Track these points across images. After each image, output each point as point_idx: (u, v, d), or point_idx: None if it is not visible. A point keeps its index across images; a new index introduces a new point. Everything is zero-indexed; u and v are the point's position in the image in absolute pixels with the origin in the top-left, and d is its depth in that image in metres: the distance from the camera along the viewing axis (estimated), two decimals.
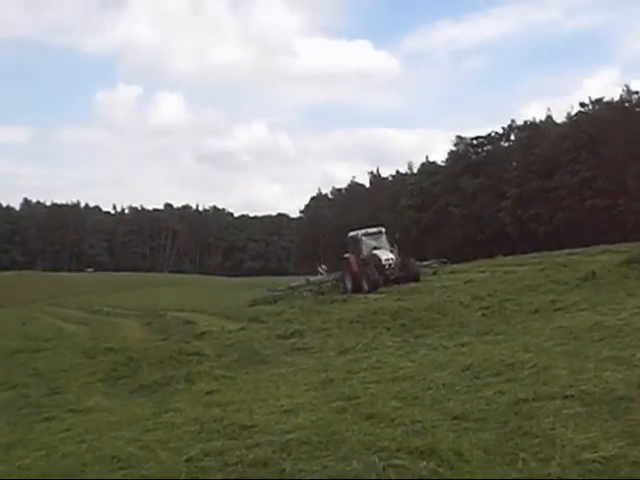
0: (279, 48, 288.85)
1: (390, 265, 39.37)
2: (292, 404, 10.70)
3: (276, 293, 43.88)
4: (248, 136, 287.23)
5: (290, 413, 10.05)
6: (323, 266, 50.74)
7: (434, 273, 42.60)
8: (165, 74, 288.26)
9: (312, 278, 46.84)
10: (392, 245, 41.94)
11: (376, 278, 37.73)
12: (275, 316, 28.76)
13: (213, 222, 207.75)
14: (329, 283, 43.57)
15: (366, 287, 37.37)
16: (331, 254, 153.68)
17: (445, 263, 49.14)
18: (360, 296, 34.76)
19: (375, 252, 40.46)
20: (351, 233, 43.40)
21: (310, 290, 42.69)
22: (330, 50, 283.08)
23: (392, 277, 38.60)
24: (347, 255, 41.05)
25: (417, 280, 38.34)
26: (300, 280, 48.57)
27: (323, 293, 40.64)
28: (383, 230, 43.59)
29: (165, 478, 7.40)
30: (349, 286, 39.59)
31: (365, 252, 40.71)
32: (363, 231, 42.87)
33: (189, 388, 14.26)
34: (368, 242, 41.68)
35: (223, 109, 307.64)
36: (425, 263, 46.17)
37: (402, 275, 38.92)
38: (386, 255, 40.08)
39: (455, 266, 47.89)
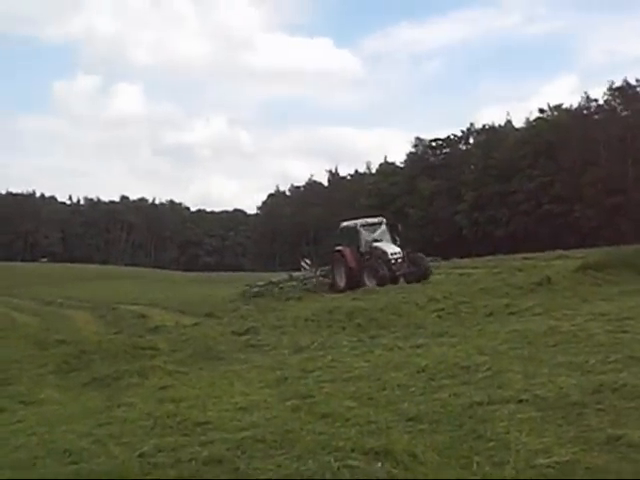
0: (240, 43, 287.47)
1: (397, 260, 36.16)
2: (246, 401, 10.66)
3: (255, 289, 40.31)
4: (207, 131, 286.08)
5: (244, 411, 10.01)
6: (307, 260, 45.82)
7: None
8: (125, 66, 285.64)
9: (295, 274, 43.44)
10: (394, 238, 38.40)
11: (385, 273, 34.97)
12: (230, 312, 28.67)
13: (169, 216, 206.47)
14: (314, 279, 40.09)
15: (373, 283, 34.47)
16: (288, 251, 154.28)
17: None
18: (316, 295, 34.58)
19: (377, 245, 37.21)
20: (344, 223, 40.39)
21: (293, 286, 39.39)
22: (291, 47, 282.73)
23: (398, 273, 35.92)
24: (340, 248, 37.94)
25: (427, 277, 36.05)
26: (282, 275, 45.23)
27: (308, 290, 37.71)
28: (384, 221, 40.02)
29: (117, 473, 7.34)
30: (342, 283, 36.73)
31: (364, 245, 37.39)
32: (361, 221, 39.59)
33: (142, 383, 14.16)
34: (367, 234, 38.02)
35: (182, 103, 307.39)
36: None
37: (410, 271, 36.32)
38: (392, 249, 36.76)
39: None
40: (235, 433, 8.52)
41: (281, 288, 39.22)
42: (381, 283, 34.06)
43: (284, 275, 44.34)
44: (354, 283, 35.63)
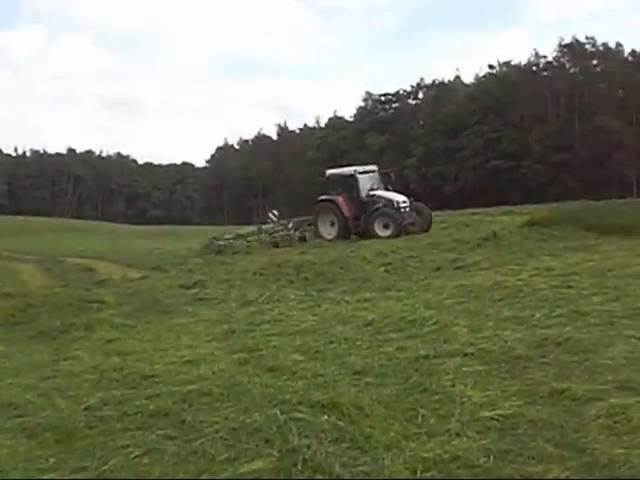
0: None
1: (405, 209, 34.22)
2: (193, 355, 10.67)
3: (221, 242, 37.11)
4: (155, 83, 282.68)
5: (191, 364, 10.03)
6: (274, 211, 42.20)
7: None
8: (71, 17, 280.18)
9: (265, 226, 39.73)
10: (386, 187, 36.33)
11: (401, 222, 33.03)
12: (177, 266, 28.47)
13: (117, 169, 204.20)
14: (283, 232, 37.20)
15: (387, 232, 32.66)
16: (235, 205, 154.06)
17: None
18: (264, 248, 33.99)
19: (380, 193, 35.21)
20: (332, 171, 38.00)
21: (260, 239, 36.48)
22: None
23: (405, 222, 33.47)
24: (330, 197, 35.50)
25: (429, 228, 34.59)
26: (249, 228, 42.58)
27: (277, 245, 34.54)
28: (377, 169, 37.80)
29: (63, 426, 7.32)
30: (328, 234, 34.70)
31: (364, 193, 35.08)
32: (358, 168, 36.69)
33: (89, 336, 14.02)
34: (364, 181, 35.66)
35: (130, 55, 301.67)
36: None
37: (415, 221, 34.20)
38: (399, 197, 34.85)
39: None
40: (182, 386, 8.55)
41: (249, 241, 36.70)
42: (397, 233, 32.60)
43: (252, 227, 42.01)
44: (347, 234, 34.46)
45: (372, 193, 35.14)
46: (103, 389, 8.89)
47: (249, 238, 37.25)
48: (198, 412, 7.49)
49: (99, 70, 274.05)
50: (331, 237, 34.44)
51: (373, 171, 37.33)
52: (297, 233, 36.54)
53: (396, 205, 34.23)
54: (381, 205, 34.25)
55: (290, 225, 38.06)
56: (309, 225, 37.10)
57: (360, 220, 34.55)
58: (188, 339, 12.35)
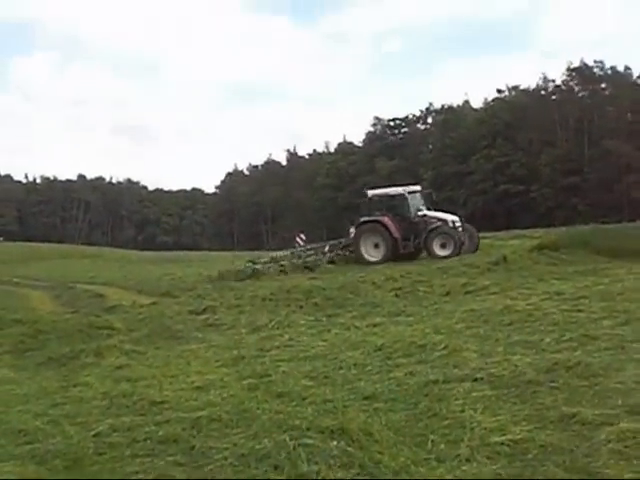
0: (198, 23, 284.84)
1: (459, 228, 34.19)
2: (203, 380, 10.65)
3: (257, 266, 35.89)
4: (165, 110, 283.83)
5: (201, 390, 10.01)
6: (302, 235, 41.43)
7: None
8: (83, 44, 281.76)
9: (298, 250, 38.82)
10: (428, 207, 36.04)
11: (460, 241, 33.01)
12: (187, 291, 28.46)
13: (127, 195, 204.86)
14: (317, 255, 36.51)
15: (446, 251, 32.32)
16: (245, 230, 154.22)
17: None
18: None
19: (430, 213, 35.03)
20: (376, 191, 37.39)
21: (292, 264, 35.34)
22: (249, 25, 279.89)
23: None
24: (376, 218, 34.88)
25: (476, 249, 34.40)
26: (283, 252, 40.34)
27: (310, 268, 33.68)
28: (420, 189, 37.88)
29: (72, 453, 7.31)
30: (372, 256, 34.09)
31: (413, 213, 34.72)
32: (407, 188, 36.33)
33: (98, 362, 14.01)
34: (413, 202, 35.35)
35: (140, 81, 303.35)
36: None
37: (464, 241, 33.87)
38: (451, 217, 34.74)
39: None
40: (191, 412, 8.53)
41: (282, 265, 35.43)
42: (456, 252, 32.26)
43: (285, 252, 40.24)
44: (395, 255, 33.71)
45: (421, 213, 34.81)
46: (112, 415, 8.87)
47: (282, 262, 36.29)
48: (207, 438, 7.47)
49: (109, 97, 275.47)
50: (376, 259, 33.80)
51: (418, 191, 36.88)
52: (327, 255, 36.09)
53: (451, 224, 34.03)
54: (438, 225, 33.87)
55: (326, 249, 37.49)
56: (343, 248, 36.82)
57: (409, 241, 34.23)
58: (198, 365, 12.33)
